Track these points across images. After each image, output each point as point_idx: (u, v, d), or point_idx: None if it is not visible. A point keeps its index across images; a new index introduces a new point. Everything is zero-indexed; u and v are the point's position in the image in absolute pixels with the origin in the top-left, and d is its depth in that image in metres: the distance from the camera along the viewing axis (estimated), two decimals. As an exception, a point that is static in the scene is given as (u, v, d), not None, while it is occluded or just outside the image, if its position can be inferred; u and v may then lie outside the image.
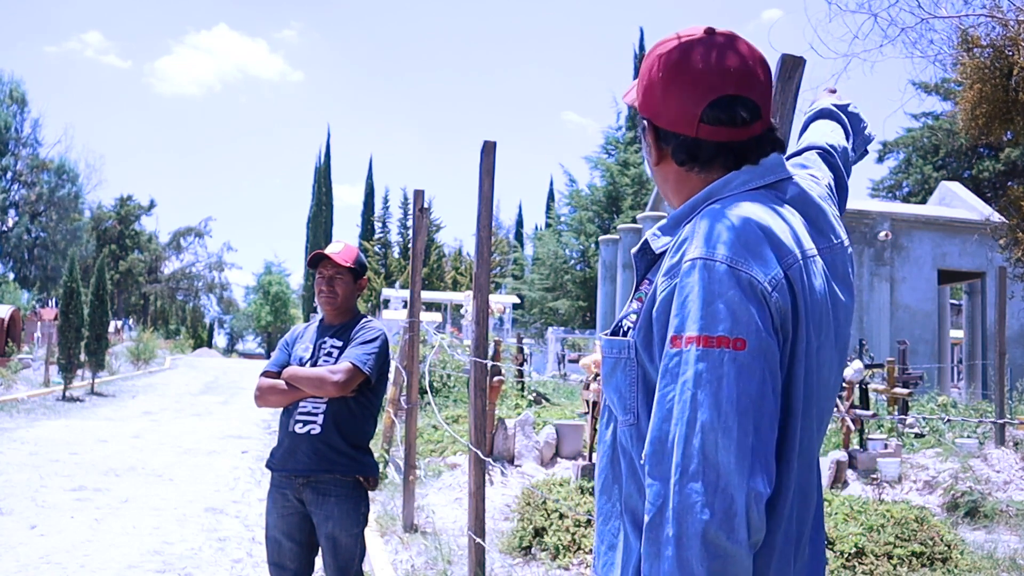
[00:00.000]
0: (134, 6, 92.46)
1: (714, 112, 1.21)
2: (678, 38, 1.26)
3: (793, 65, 2.00)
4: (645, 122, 1.28)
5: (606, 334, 1.25)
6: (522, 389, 12.63)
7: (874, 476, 7.15)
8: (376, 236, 52.51)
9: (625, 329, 1.22)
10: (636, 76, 1.42)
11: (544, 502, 5.22)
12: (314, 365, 3.06)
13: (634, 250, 1.28)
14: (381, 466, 7.20)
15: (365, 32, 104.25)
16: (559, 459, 8.10)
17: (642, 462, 1.11)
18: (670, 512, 1.04)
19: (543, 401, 12.20)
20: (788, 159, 1.60)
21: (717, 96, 1.21)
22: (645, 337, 1.17)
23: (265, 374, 3.13)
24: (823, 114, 1.74)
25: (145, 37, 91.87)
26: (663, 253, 1.23)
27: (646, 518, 1.07)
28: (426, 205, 6.19)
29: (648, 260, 1.27)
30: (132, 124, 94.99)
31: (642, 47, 40.57)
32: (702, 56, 1.23)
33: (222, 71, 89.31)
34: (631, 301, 1.26)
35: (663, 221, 1.27)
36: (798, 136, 1.76)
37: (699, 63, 1.22)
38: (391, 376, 7.72)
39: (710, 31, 1.26)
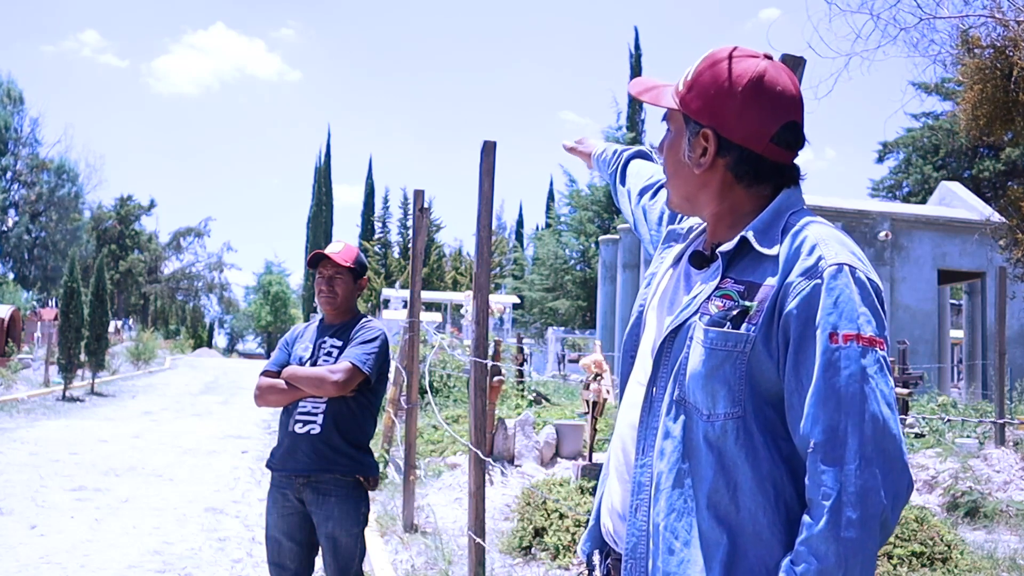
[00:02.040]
0: (130, 5, 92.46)
1: (783, 134, 1.32)
2: (755, 57, 1.34)
3: (793, 65, 2.00)
4: (707, 130, 1.33)
5: (710, 327, 1.27)
6: (522, 389, 12.63)
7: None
8: (376, 236, 52.52)
9: (722, 323, 1.26)
10: (634, 75, 1.46)
11: (544, 502, 5.22)
12: (314, 365, 3.06)
13: (725, 248, 1.32)
14: (381, 466, 7.20)
15: (362, 32, 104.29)
16: (559, 459, 8.10)
17: (810, 449, 1.17)
18: (849, 496, 1.12)
19: (543, 401, 12.20)
20: (646, 190, 1.79)
21: (788, 120, 1.32)
22: (766, 332, 1.23)
23: (265, 373, 3.14)
24: (642, 155, 1.95)
25: (142, 36, 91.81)
26: (748, 253, 1.30)
27: (825, 503, 1.13)
28: (426, 205, 6.19)
29: (727, 260, 1.32)
30: (131, 124, 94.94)
31: (638, 46, 40.20)
32: (778, 80, 1.33)
33: (220, 71, 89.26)
34: (712, 296, 1.29)
35: (755, 225, 1.32)
36: (621, 169, 1.98)
37: (777, 86, 1.32)
38: (391, 376, 7.72)
39: (768, 56, 1.36)
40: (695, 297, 1.33)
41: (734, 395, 1.24)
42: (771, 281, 1.24)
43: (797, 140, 1.33)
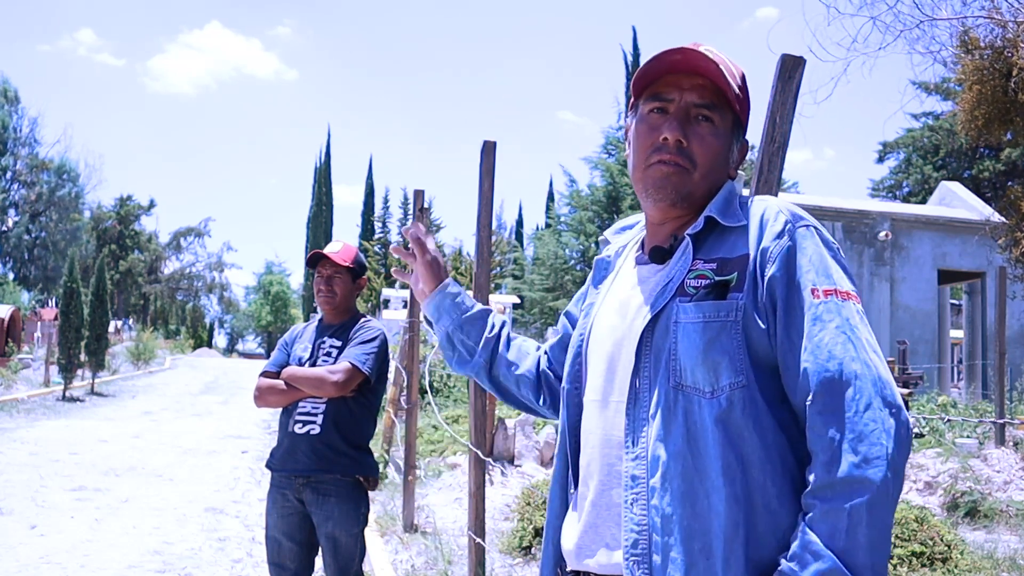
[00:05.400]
0: (125, 4, 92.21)
1: None
2: None
3: (793, 65, 2.00)
4: (747, 140, 1.43)
5: (700, 302, 1.28)
6: (522, 389, 12.61)
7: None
8: (376, 236, 52.50)
9: (706, 298, 1.28)
10: (631, 76, 1.47)
11: (544, 502, 5.22)
12: (313, 365, 3.06)
13: (692, 230, 1.34)
14: (381, 466, 7.20)
15: (360, 31, 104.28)
16: (559, 459, 8.09)
17: (809, 402, 1.19)
18: (850, 442, 1.15)
19: (543, 401, 12.18)
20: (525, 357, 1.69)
21: None
22: (753, 299, 1.26)
23: (264, 374, 3.13)
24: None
25: (137, 35, 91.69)
26: (710, 233, 1.34)
27: (828, 451, 1.15)
28: (426, 205, 6.19)
29: (694, 242, 1.35)
30: (130, 123, 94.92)
31: (635, 46, 40.11)
32: None
33: (217, 70, 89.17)
34: (687, 279, 1.31)
35: (715, 206, 1.36)
36: (506, 339, 1.68)
37: None
38: (391, 376, 7.72)
39: None
40: (668, 283, 1.33)
41: (736, 364, 1.25)
42: (744, 250, 1.28)
43: None
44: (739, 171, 1.45)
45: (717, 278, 1.28)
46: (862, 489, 1.12)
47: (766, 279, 1.25)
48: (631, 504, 1.29)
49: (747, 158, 1.46)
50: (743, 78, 1.39)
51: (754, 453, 1.22)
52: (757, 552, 1.20)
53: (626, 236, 1.56)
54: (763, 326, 1.25)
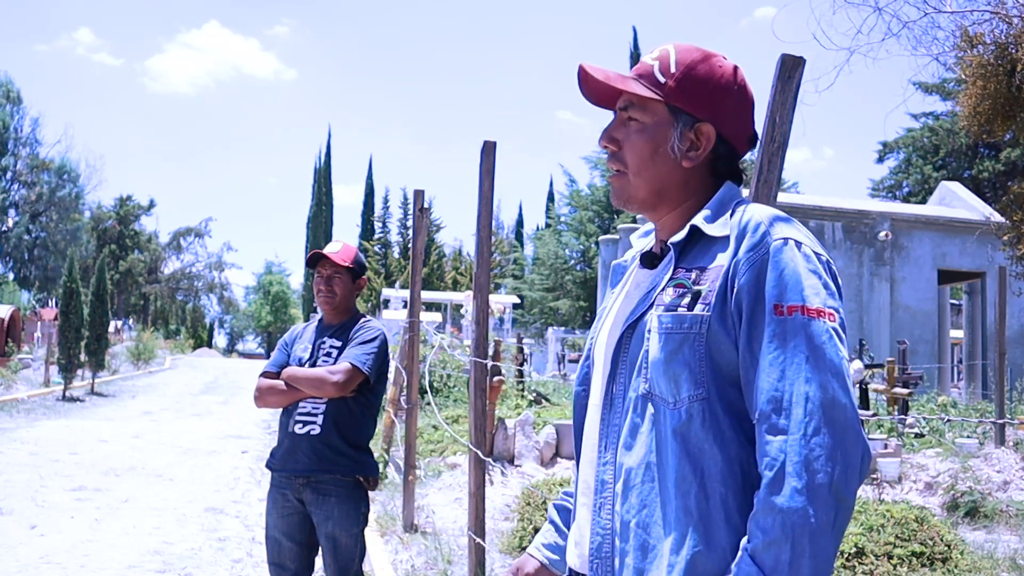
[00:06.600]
0: (122, 3, 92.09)
1: (754, 136, 1.41)
2: (724, 58, 1.39)
3: (793, 65, 2.00)
4: (706, 125, 1.35)
5: (665, 313, 1.27)
6: (522, 389, 12.63)
7: (874, 476, 7.15)
8: (376, 236, 52.54)
9: (676, 308, 1.27)
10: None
11: (544, 502, 5.22)
12: (313, 365, 3.06)
13: (676, 238, 1.33)
14: (381, 466, 7.20)
15: (359, 30, 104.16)
16: (559, 459, 8.11)
17: (756, 420, 1.17)
18: (795, 466, 1.11)
19: (543, 401, 12.20)
20: None
21: (754, 123, 1.41)
22: (721, 311, 1.24)
23: (264, 375, 3.13)
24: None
25: (136, 35, 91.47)
26: (698, 242, 1.32)
27: (768, 474, 1.12)
28: (426, 205, 6.19)
29: (679, 250, 1.33)
30: (129, 123, 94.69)
31: (636, 46, 40.20)
32: (750, 85, 1.40)
33: (216, 70, 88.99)
34: (666, 287, 1.30)
35: (704, 214, 1.33)
36: None
37: (752, 90, 1.40)
38: (391, 376, 7.72)
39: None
40: (650, 291, 1.33)
41: (696, 377, 1.23)
42: (721, 260, 1.26)
43: (754, 142, 1.43)
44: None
45: (694, 288, 1.27)
46: (803, 519, 1.09)
47: (736, 290, 1.22)
48: (599, 509, 1.32)
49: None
50: (688, 64, 1.35)
51: (715, 466, 1.21)
52: (705, 567, 1.19)
53: (648, 239, 1.55)
54: (730, 339, 1.23)
